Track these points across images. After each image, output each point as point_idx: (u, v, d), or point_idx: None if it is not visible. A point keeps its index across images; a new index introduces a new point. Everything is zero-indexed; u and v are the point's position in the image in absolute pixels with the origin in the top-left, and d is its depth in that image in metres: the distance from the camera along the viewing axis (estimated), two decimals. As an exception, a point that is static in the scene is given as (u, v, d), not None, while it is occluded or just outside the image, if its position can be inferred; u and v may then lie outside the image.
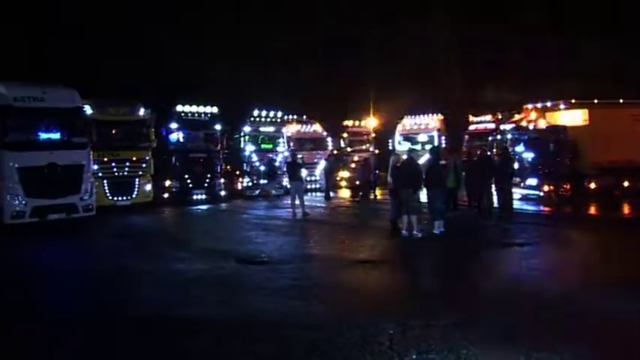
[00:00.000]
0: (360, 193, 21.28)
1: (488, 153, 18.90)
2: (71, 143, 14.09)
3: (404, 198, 11.97)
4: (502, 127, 21.51)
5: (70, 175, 13.76)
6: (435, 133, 25.15)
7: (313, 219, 15.71)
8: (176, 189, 19.88)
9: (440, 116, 26.31)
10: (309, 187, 22.07)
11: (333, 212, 17.98)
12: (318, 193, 22.97)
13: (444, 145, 24.71)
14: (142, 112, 18.25)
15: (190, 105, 20.75)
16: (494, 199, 15.58)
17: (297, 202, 16.10)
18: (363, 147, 27.64)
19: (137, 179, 17.85)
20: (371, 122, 28.58)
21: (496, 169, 15.18)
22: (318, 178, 24.05)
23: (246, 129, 22.69)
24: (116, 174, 17.62)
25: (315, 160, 24.23)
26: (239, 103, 25.65)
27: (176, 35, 30.33)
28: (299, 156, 17.59)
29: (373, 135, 28.36)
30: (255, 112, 23.18)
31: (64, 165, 13.58)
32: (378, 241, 12.11)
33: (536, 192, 18.38)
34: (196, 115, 20.78)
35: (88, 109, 15.41)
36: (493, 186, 15.33)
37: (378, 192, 21.23)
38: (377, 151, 26.94)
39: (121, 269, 9.56)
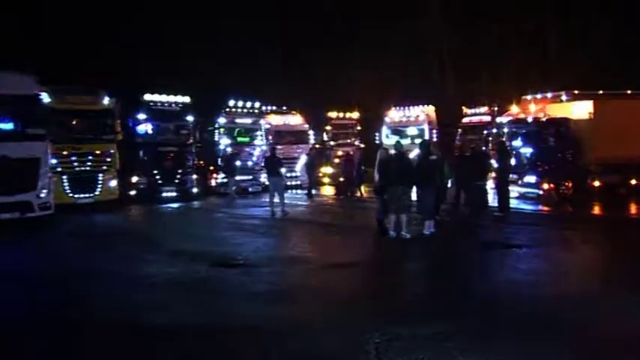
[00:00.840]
0: (345, 192, 21.35)
1: (483, 148, 19.24)
2: (26, 135, 13.83)
3: (393, 196, 12.06)
4: (498, 119, 21.66)
5: (25, 169, 13.50)
6: (425, 126, 25.32)
7: (293, 218, 15.75)
8: (144, 185, 19.69)
9: (430, 108, 26.48)
10: (288, 183, 22.10)
11: (314, 211, 18.04)
12: (299, 191, 23.00)
13: (434, 139, 24.94)
14: (106, 101, 18.01)
15: (160, 94, 20.55)
16: (489, 197, 15.77)
17: (277, 199, 16.15)
18: (348, 140, 27.72)
19: (101, 175, 17.65)
20: (357, 114, 28.67)
21: (485, 165, 15.37)
22: (298, 174, 24.08)
23: (221, 121, 22.60)
24: (77, 169, 17.40)
25: (296, 155, 24.26)
26: (214, 92, 25.58)
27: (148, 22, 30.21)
28: (279, 149, 17.58)
29: (359, 128, 28.46)
30: (231, 103, 23.09)
31: (17, 158, 13.31)
32: (364, 242, 12.20)
33: (535, 190, 18.42)
34: (166, 104, 20.58)
35: (45, 98, 15.11)
36: (489, 183, 15.54)
37: (363, 189, 21.37)
38: (363, 145, 27.04)
39: (84, 273, 9.42)
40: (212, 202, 20.07)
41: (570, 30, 30.50)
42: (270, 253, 11.23)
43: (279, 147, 20.99)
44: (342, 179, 22.35)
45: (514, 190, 18.13)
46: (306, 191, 21.71)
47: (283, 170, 17.59)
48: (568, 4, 30.05)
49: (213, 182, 22.23)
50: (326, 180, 25.93)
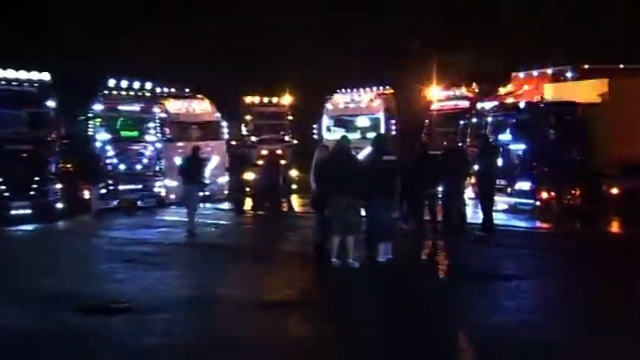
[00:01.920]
0: (267, 204, 21.33)
1: (460, 144, 19.57)
2: None
3: (336, 210, 12.16)
4: (480, 105, 22.07)
5: None
6: (381, 116, 25.70)
7: (200, 243, 15.84)
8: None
9: (388, 91, 26.90)
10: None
11: (229, 231, 18.16)
12: (207, 204, 22.82)
13: (393, 133, 25.29)
14: None
15: (4, 68, 19.93)
16: (467, 211, 16.18)
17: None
18: (275, 135, 27.80)
19: None
20: (288, 99, 28.79)
21: (461, 168, 15.69)
22: (207, 180, 23.91)
23: (98, 107, 22.21)
24: None
25: (204, 155, 24.06)
26: (88, 68, 25.12)
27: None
28: (179, 147, 17.52)
29: (290, 117, 28.58)
30: (111, 83, 22.72)
31: None
32: (297, 273, 12.27)
33: (530, 200, 18.63)
34: (14, 84, 20.02)
35: None
36: (468, 191, 15.86)
37: (295, 201, 21.39)
38: (295, 142, 27.17)
39: None
40: (85, 222, 19.79)
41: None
42: (167, 291, 11.10)
43: (179, 144, 20.81)
44: (262, 188, 22.04)
45: (502, 201, 18.63)
46: (233, 205, 21.78)
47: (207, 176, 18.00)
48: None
49: (86, 194, 21.80)
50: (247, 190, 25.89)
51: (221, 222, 19.67)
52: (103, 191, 21.57)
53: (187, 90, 26.07)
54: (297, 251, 13.89)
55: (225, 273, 12.82)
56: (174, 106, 24.47)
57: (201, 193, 18.66)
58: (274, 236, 17.42)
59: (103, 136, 22.14)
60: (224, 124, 25.61)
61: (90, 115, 22.25)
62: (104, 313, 9.59)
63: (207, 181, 20.19)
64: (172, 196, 23.02)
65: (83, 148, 21.91)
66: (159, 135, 23.02)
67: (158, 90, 24.33)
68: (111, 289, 11.09)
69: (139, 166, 22.59)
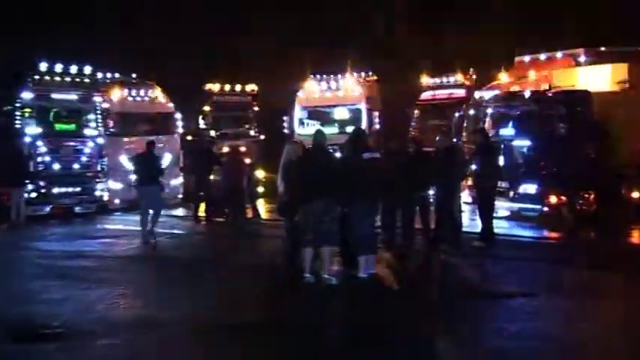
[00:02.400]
0: (228, 210, 21.27)
1: (454, 140, 19.60)
2: None
3: (309, 217, 12.16)
4: (478, 94, 22.16)
5: None
6: (362, 106, 25.80)
7: (152, 255, 16.07)
8: None
9: (371, 77, 26.95)
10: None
11: (185, 242, 18.16)
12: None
13: (377, 127, 25.32)
14: None
15: None
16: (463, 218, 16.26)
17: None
18: (239, 129, 27.83)
19: None
20: (253, 88, 28.77)
21: (457, 168, 15.72)
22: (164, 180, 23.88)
23: (26, 96, 22.05)
24: None
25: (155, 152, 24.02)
26: (14, 46, 24.92)
27: None
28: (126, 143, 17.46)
29: (256, 108, 28.56)
30: (43, 66, 22.54)
31: None
32: (263, 291, 12.26)
33: (537, 206, 18.59)
34: None
35: None
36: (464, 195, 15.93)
37: (261, 206, 21.38)
38: (263, 137, 27.14)
39: None
40: (12, 232, 19.61)
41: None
42: (109, 313, 11.04)
43: (125, 139, 20.67)
44: (223, 191, 21.91)
45: (503, 207, 18.71)
46: (191, 211, 21.96)
47: (164, 175, 18.21)
48: None
49: (12, 198, 21.54)
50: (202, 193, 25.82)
51: (175, 231, 19.55)
52: (33, 195, 21.36)
53: (135, 76, 25.97)
54: (263, 265, 13.85)
55: (178, 291, 12.75)
56: (119, 94, 24.38)
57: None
58: (236, 248, 17.35)
59: (32, 129, 21.89)
60: (178, 115, 25.55)
61: (17, 105, 21.99)
62: (34, 340, 9.52)
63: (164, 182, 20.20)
64: (117, 201, 22.98)
65: (10, 144, 21.64)
66: (100, 129, 22.87)
67: (100, 75, 24.16)
68: (42, 311, 11.00)
69: (76, 166, 22.34)
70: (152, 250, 16.73)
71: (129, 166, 21.50)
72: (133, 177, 19.40)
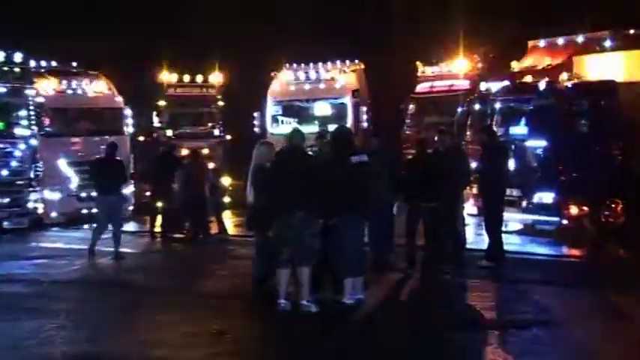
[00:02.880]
0: (187, 224, 21.21)
1: (457, 140, 19.64)
2: None
3: (284, 233, 12.12)
4: (484, 85, 22.18)
5: None
6: (348, 100, 25.83)
7: (96, 280, 16.23)
8: None
9: (357, 66, 27.00)
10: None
11: (136, 264, 18.06)
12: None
13: (364, 125, 25.34)
14: None
15: None
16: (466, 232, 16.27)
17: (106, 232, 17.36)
18: (200, 128, 27.89)
19: None
20: (218, 78, 28.80)
21: (460, 172, 15.65)
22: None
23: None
24: None
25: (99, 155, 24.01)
26: None
27: None
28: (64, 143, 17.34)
29: (221, 103, 28.56)
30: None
31: None
32: (228, 322, 12.13)
33: (554, 218, 18.71)
34: None
35: None
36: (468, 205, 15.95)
37: (228, 220, 21.58)
38: (229, 137, 27.14)
39: None
40: None
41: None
42: (45, 348, 10.95)
43: (63, 140, 20.50)
44: (180, 202, 21.82)
45: (514, 219, 18.78)
46: (132, 225, 22.27)
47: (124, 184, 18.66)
48: None
49: None
50: (160, 204, 25.74)
51: (126, 250, 19.42)
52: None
53: (75, 64, 25.81)
54: (230, 290, 13.87)
55: (127, 322, 12.79)
56: (54, 86, 24.26)
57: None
58: (198, 269, 17.34)
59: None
60: (128, 112, 25.43)
61: None
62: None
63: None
64: (54, 214, 22.88)
65: None
66: (34, 127, 22.74)
67: (33, 64, 23.93)
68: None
69: (4, 172, 22.15)
70: (98, 274, 16.76)
71: (68, 172, 21.46)
72: (75, 185, 19.36)
